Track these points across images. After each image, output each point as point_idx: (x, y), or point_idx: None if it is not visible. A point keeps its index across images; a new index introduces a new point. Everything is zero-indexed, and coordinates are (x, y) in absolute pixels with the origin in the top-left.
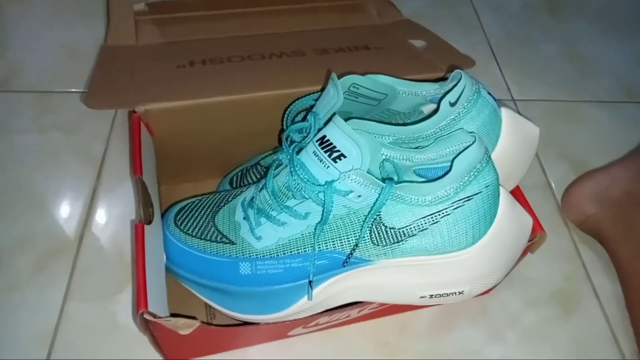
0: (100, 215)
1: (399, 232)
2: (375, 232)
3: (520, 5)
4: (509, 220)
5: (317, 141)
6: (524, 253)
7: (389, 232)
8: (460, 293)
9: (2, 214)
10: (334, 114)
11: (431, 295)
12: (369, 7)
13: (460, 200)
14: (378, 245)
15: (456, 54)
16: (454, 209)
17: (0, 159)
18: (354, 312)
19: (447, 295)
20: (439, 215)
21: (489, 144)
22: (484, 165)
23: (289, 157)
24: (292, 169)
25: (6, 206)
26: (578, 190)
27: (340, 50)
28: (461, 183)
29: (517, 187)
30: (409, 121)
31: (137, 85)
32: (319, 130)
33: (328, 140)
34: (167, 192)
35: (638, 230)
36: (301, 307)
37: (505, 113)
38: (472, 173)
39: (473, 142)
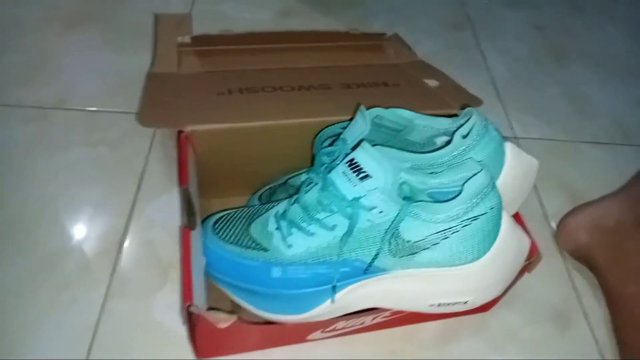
0: (139, 224)
1: (414, 245)
2: (394, 244)
3: (526, 51)
4: (510, 239)
5: (346, 163)
6: (522, 272)
7: (405, 244)
8: (464, 302)
9: (53, 220)
10: (362, 140)
11: (439, 304)
12: (387, 47)
13: (468, 219)
14: (395, 256)
15: (466, 93)
16: (462, 227)
17: (52, 170)
18: (368, 319)
19: (453, 304)
20: (450, 231)
21: (494, 172)
22: (489, 190)
23: (320, 175)
24: (323, 185)
25: (55, 213)
26: (572, 220)
27: (362, 85)
28: (470, 204)
29: (517, 213)
30: (423, 150)
31: (182, 108)
32: (348, 154)
33: (356, 162)
34: (201, 205)
35: (627, 257)
36: (324, 309)
37: (508, 147)
38: (479, 196)
39: (481, 170)
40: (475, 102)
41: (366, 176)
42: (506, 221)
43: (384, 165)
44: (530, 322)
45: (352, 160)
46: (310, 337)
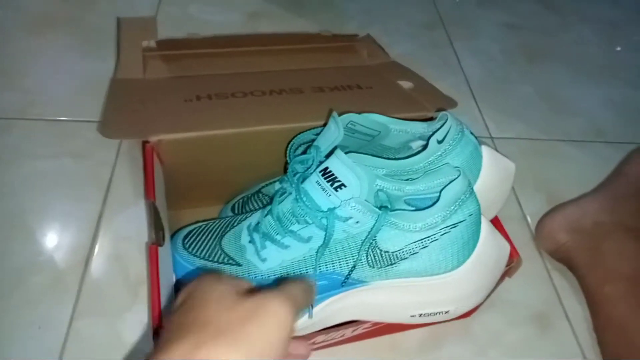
0: (106, 238)
1: (393, 255)
2: (371, 255)
3: (498, 50)
4: (490, 246)
5: (320, 172)
6: (503, 277)
7: (383, 255)
8: (446, 312)
9: (15, 235)
10: (336, 147)
11: (420, 314)
12: (360, 49)
13: (447, 227)
14: (373, 267)
15: (440, 95)
16: (441, 235)
17: (15, 182)
18: (348, 332)
19: (435, 314)
20: (428, 240)
21: (471, 177)
22: (467, 196)
23: (294, 185)
24: (297, 196)
25: (18, 228)
26: (550, 221)
27: (335, 88)
28: (448, 212)
29: (496, 217)
30: (398, 155)
31: (148, 117)
32: (321, 162)
33: (330, 171)
34: (171, 217)
35: (605, 258)
36: (302, 325)
37: (485, 150)
38: (457, 203)
39: (458, 176)
40: (449, 103)
41: (341, 185)
42: (485, 227)
43: (358, 174)
44: (512, 325)
45: (326, 169)
46: None
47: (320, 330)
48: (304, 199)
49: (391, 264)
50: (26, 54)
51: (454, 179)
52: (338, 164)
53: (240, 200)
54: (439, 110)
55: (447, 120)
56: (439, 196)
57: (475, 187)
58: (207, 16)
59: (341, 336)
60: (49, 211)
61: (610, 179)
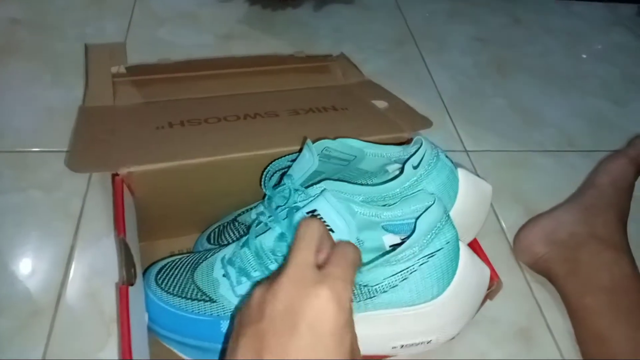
0: (78, 274)
1: (372, 289)
2: (355, 288)
3: (470, 63)
4: (469, 272)
5: (308, 213)
6: (484, 300)
7: (362, 289)
8: (428, 342)
9: None
10: (324, 190)
11: (402, 345)
12: (334, 68)
13: (425, 257)
14: (352, 301)
15: (415, 114)
16: (419, 265)
17: None
18: None
19: (417, 344)
20: (407, 272)
21: (448, 201)
22: (443, 223)
23: (278, 222)
24: (281, 235)
25: None
26: (527, 233)
27: (310, 110)
28: (424, 241)
29: (475, 240)
30: (375, 179)
31: (117, 147)
32: (301, 193)
33: (319, 214)
34: (146, 249)
35: (582, 269)
36: None
37: (461, 174)
38: (433, 232)
39: (433, 203)
40: (425, 123)
41: (329, 230)
42: (464, 254)
43: (348, 220)
44: (496, 342)
45: (314, 211)
46: None
47: None
48: (289, 240)
49: (370, 297)
50: None
51: (429, 207)
52: (327, 208)
53: (217, 229)
54: (415, 131)
55: (421, 144)
56: (414, 227)
57: (453, 211)
58: (178, 39)
59: None
60: (16, 248)
61: (582, 189)
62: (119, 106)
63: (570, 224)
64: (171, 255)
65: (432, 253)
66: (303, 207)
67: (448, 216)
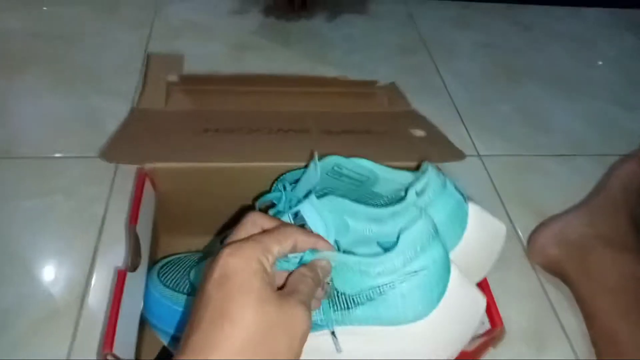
0: (102, 274)
1: (349, 298)
2: (333, 295)
3: (479, 70)
4: (459, 298)
5: (292, 214)
6: (486, 346)
7: (340, 296)
8: None
9: (8, 276)
10: (310, 192)
11: None
12: (381, 96)
13: (408, 274)
14: (331, 308)
15: (450, 146)
16: (400, 282)
17: (7, 223)
18: None
19: None
20: (386, 287)
21: (454, 236)
22: (430, 240)
23: None
24: None
25: (12, 268)
26: (540, 235)
27: (344, 132)
28: (408, 257)
29: (484, 280)
30: (389, 202)
31: (150, 145)
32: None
33: (302, 216)
34: (167, 243)
35: (593, 270)
36: None
37: (472, 208)
38: (418, 248)
39: (419, 217)
40: (457, 155)
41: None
42: (455, 277)
43: (328, 222)
44: (509, 344)
45: (297, 212)
46: None
47: None
48: None
49: (348, 308)
50: (8, 93)
51: (414, 220)
52: (309, 210)
53: (229, 233)
54: (443, 161)
55: (426, 171)
56: (398, 239)
57: (458, 247)
58: (194, 49)
59: None
60: (41, 250)
61: (593, 193)
62: (165, 111)
63: (582, 227)
64: (183, 252)
65: (415, 271)
66: (289, 210)
67: (436, 233)
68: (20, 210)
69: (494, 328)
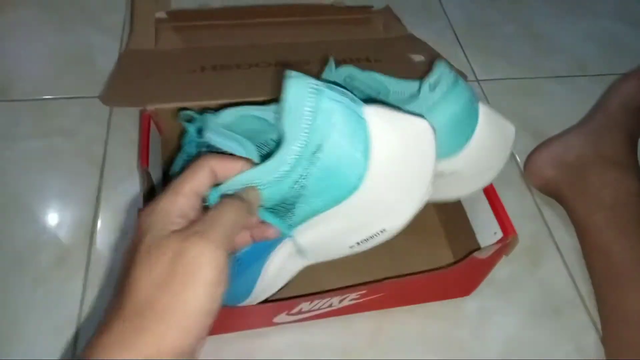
0: (108, 211)
1: (284, 205)
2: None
3: None
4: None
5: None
6: (500, 254)
7: (278, 208)
8: (382, 231)
9: (15, 217)
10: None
11: (358, 242)
12: (376, 21)
13: (311, 154)
14: (278, 218)
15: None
16: (311, 166)
17: (6, 164)
18: (335, 301)
19: (372, 237)
20: (302, 177)
21: (466, 132)
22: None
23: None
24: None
25: (16, 210)
26: (537, 157)
27: (343, 61)
28: (294, 144)
29: (491, 186)
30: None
31: (150, 86)
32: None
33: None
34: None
35: (590, 188)
36: (259, 291)
37: (482, 109)
38: (306, 126)
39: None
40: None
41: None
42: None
43: (238, 140)
44: (504, 262)
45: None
46: (276, 319)
47: (302, 297)
48: None
49: (289, 210)
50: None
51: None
52: (216, 136)
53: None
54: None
55: (440, 66)
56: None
57: (467, 149)
58: None
59: (329, 306)
60: (46, 190)
61: (591, 112)
62: (158, 50)
63: (578, 147)
64: None
65: (315, 150)
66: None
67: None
68: (22, 152)
69: (506, 236)
